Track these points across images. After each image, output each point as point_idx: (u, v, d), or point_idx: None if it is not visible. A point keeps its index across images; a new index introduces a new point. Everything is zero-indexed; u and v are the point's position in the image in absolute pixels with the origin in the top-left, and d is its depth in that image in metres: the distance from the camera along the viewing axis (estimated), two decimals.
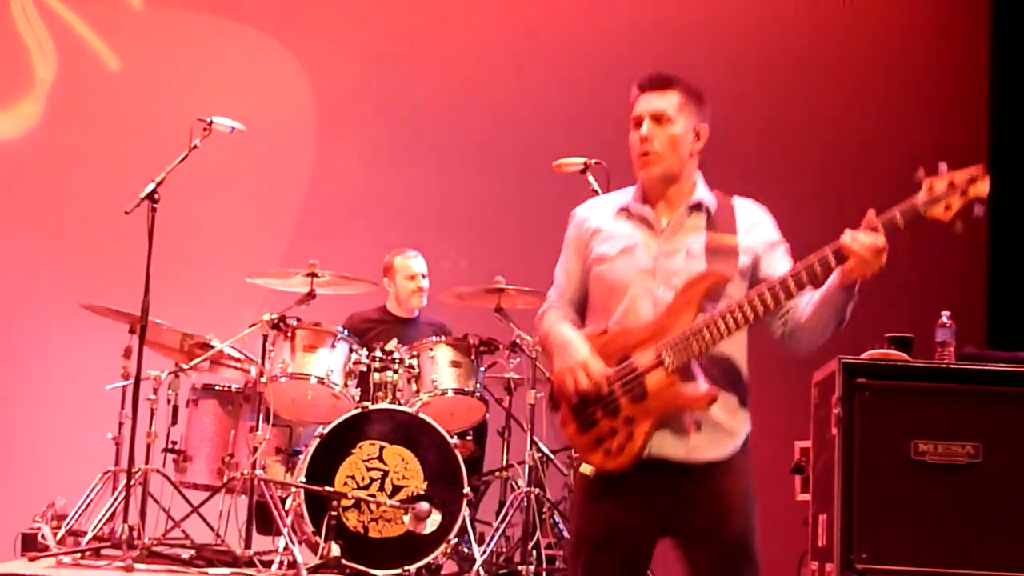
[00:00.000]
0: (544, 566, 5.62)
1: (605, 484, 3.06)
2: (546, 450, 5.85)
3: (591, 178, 5.69)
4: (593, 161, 5.70)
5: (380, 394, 5.75)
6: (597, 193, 5.57)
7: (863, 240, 2.85)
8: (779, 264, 3.10)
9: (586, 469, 3.09)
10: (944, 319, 4.84)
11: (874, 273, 2.88)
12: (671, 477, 3.03)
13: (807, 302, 3.06)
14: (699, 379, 3.00)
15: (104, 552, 5.41)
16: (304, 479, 5.43)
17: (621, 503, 3.05)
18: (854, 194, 7.41)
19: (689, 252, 3.07)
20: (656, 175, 3.12)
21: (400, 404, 5.68)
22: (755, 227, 3.13)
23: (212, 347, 5.91)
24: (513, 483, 5.98)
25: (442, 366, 5.83)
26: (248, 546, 5.49)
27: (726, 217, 3.11)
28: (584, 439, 3.07)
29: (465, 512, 5.45)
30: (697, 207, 3.13)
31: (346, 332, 5.89)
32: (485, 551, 5.53)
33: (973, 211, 2.83)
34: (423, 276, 6.54)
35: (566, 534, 5.55)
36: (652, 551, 3.14)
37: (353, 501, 5.41)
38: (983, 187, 2.83)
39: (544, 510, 5.77)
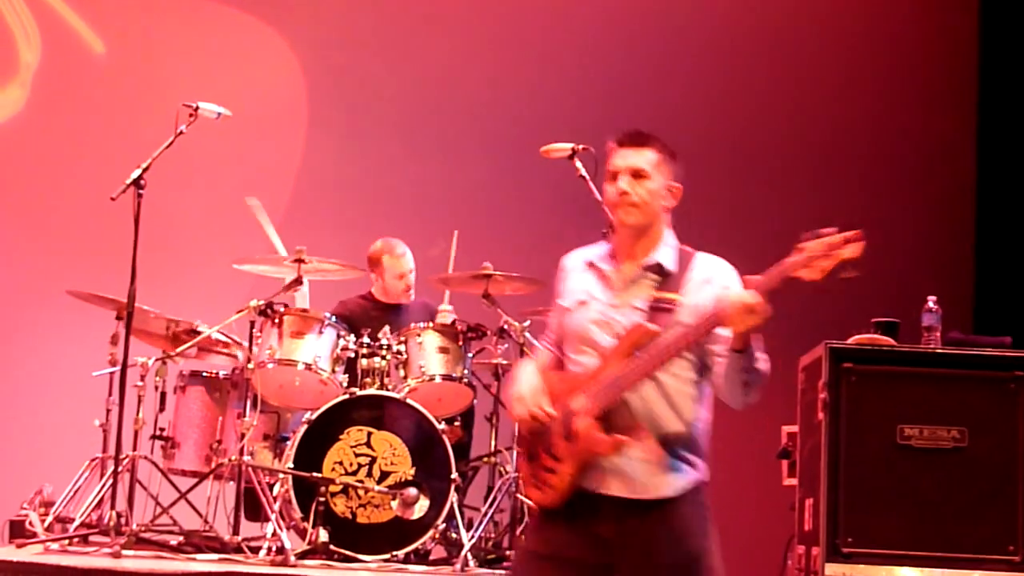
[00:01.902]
0: None
1: (552, 514, 3.20)
2: None
3: (579, 164, 5.65)
4: (581, 147, 5.66)
5: (368, 380, 5.75)
6: (585, 179, 5.58)
7: (733, 299, 2.93)
8: None
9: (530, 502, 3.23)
10: (930, 304, 4.85)
11: (750, 329, 2.93)
12: (615, 511, 3.12)
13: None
14: (627, 423, 3.09)
15: (92, 539, 5.40)
16: (292, 465, 5.43)
17: (566, 531, 3.17)
18: (841, 187, 7.45)
19: (632, 307, 3.17)
20: (633, 222, 3.21)
21: (388, 390, 5.68)
22: (706, 285, 3.17)
23: (199, 333, 5.89)
24: (501, 469, 5.98)
25: (430, 352, 5.82)
26: (236, 532, 5.49)
27: (679, 274, 3.19)
28: (528, 475, 3.30)
29: (453, 498, 5.46)
30: (652, 267, 3.21)
31: (334, 318, 5.87)
32: (473, 536, 5.53)
33: (843, 272, 2.89)
34: (411, 272, 6.48)
35: None
36: None
37: (341, 487, 5.41)
38: (852, 250, 2.88)
39: None
